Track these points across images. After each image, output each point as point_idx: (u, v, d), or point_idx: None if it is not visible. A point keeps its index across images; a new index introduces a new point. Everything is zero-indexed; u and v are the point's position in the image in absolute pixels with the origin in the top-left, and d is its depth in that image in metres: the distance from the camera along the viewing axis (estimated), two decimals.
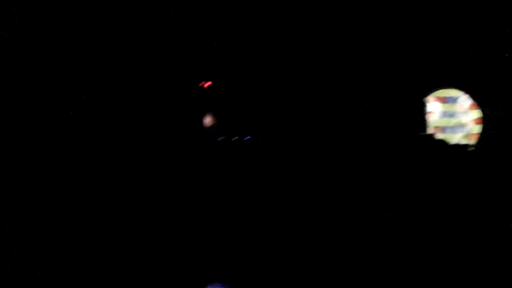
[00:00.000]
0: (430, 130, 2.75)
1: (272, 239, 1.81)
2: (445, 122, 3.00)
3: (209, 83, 2.36)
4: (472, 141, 2.96)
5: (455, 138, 2.97)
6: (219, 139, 2.13)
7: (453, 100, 3.03)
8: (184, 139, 2.07)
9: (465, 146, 2.58)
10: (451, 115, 3.03)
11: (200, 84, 2.41)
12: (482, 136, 2.88)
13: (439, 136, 2.85)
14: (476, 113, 2.95)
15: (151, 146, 1.99)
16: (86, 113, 2.03)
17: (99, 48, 2.11)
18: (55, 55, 2.02)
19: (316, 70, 2.44)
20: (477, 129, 2.96)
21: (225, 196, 1.89)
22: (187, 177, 1.90)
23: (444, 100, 3.01)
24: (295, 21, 2.37)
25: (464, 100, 3.00)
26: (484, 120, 2.95)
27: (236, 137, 2.13)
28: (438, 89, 3.02)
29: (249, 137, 2.12)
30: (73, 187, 1.88)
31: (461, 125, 3.04)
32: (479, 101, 2.89)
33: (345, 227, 1.86)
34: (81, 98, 2.04)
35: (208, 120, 2.20)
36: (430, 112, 2.88)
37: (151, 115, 2.13)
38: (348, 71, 2.46)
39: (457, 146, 2.56)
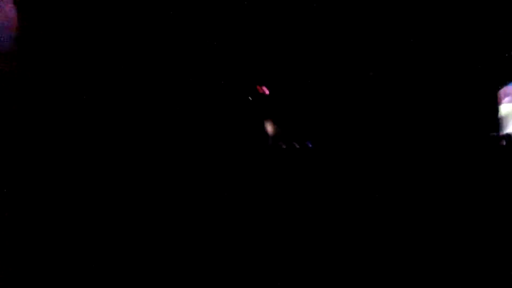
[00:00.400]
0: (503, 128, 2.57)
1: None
2: None
3: (265, 88, 2.39)
4: None
5: None
6: (281, 146, 2.17)
7: None
8: (244, 146, 2.12)
9: None
10: None
11: (260, 90, 2.45)
12: None
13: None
14: None
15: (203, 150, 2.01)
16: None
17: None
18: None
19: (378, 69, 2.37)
20: None
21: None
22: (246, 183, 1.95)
23: None
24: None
25: None
26: None
27: (298, 144, 2.16)
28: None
29: (310, 143, 2.14)
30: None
31: None
32: None
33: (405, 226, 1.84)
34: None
35: (270, 128, 2.24)
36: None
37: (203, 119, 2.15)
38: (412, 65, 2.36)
39: None
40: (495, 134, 2.31)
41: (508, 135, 2.42)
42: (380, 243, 1.82)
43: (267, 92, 2.43)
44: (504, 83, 2.81)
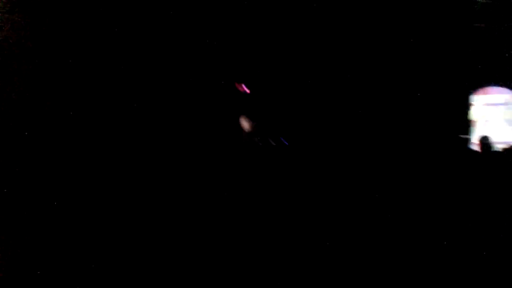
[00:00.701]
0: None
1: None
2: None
3: (244, 86, 2.41)
4: None
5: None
6: (257, 142, 2.18)
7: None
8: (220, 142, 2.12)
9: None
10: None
11: (238, 87, 2.46)
12: None
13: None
14: None
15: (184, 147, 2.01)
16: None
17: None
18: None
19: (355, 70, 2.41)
20: None
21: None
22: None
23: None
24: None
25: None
26: None
27: (272, 140, 2.17)
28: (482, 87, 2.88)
29: (283, 139, 2.15)
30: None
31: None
32: None
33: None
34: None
35: (245, 124, 2.25)
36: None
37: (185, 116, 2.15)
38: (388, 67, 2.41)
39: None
40: (465, 136, 2.38)
41: (483, 137, 2.48)
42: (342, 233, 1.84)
43: (247, 90, 2.44)
44: (477, 88, 2.90)
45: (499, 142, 2.51)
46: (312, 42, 2.38)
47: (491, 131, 2.81)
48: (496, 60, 2.71)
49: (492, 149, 2.45)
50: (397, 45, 2.36)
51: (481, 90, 2.75)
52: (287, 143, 2.11)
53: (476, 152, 2.46)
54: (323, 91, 2.32)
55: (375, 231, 1.86)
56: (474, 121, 2.56)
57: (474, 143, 2.54)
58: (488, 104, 2.84)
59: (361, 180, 1.93)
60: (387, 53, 2.35)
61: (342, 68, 2.36)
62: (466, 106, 2.51)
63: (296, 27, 2.42)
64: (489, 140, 2.48)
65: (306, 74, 2.37)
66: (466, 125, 2.49)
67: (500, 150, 2.47)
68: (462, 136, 2.39)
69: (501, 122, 2.89)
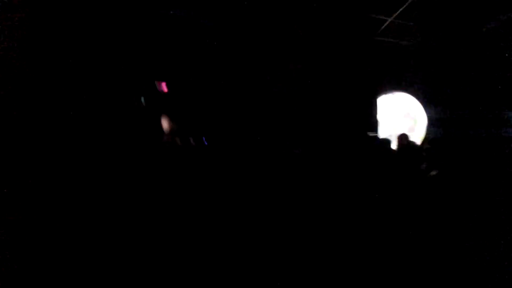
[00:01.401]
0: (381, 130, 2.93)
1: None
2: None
3: (163, 84, 2.36)
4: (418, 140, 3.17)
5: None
6: (177, 142, 2.15)
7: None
8: (139, 144, 2.06)
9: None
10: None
11: (159, 87, 2.41)
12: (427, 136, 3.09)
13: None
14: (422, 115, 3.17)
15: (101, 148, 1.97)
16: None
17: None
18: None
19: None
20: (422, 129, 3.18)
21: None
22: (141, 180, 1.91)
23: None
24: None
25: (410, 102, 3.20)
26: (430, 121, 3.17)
27: (194, 140, 2.16)
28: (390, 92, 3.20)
29: (204, 139, 2.16)
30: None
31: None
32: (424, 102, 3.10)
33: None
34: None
35: (165, 124, 2.21)
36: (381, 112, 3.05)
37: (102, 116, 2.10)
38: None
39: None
40: (373, 134, 2.62)
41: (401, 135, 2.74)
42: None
43: (165, 89, 2.39)
44: (384, 93, 3.21)
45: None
46: (225, 43, 2.42)
47: (397, 130, 3.14)
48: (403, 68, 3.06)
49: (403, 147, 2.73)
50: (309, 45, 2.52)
51: (385, 92, 3.07)
52: (206, 143, 2.11)
53: (388, 150, 2.72)
54: (242, 89, 2.38)
55: (291, 226, 1.95)
56: (379, 121, 2.82)
57: (385, 141, 2.80)
58: (392, 106, 3.17)
59: (272, 177, 2.01)
60: (298, 50, 2.49)
61: (257, 67, 2.44)
62: (372, 106, 2.76)
63: (213, 29, 2.44)
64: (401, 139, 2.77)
65: (222, 73, 2.41)
66: (373, 123, 2.73)
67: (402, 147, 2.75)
68: (370, 133, 2.62)
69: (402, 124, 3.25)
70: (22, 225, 1.75)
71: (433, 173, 2.24)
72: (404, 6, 2.74)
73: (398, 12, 2.81)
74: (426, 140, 3.23)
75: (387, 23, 2.91)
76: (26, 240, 1.73)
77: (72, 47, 2.09)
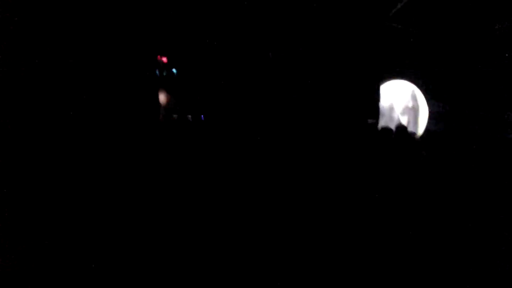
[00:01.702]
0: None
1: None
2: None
3: (164, 58, 2.32)
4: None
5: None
6: (173, 117, 2.13)
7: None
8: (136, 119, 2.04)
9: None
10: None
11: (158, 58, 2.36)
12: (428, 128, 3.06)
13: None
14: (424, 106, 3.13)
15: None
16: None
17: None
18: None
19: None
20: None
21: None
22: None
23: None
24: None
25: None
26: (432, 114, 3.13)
27: (190, 116, 2.14)
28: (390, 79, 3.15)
29: (202, 116, 2.13)
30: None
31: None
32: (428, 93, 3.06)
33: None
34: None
35: (163, 98, 2.17)
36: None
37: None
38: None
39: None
40: (373, 121, 2.59)
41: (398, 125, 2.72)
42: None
43: (164, 60, 2.34)
44: (385, 79, 3.16)
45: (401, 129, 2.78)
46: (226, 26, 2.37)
47: (398, 120, 3.11)
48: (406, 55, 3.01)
49: (402, 137, 2.71)
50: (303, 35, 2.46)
51: (387, 80, 3.02)
52: (203, 118, 2.09)
53: (386, 138, 2.69)
54: (242, 68, 2.33)
55: (282, 222, 1.94)
56: (381, 108, 2.79)
57: (385, 128, 2.78)
58: (394, 93, 3.12)
59: (267, 164, 2.00)
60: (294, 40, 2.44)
61: (262, 49, 2.39)
62: (375, 92, 2.72)
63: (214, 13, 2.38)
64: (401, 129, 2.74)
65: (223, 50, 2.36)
66: (374, 110, 2.70)
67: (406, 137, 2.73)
68: (370, 121, 2.59)
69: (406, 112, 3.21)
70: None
71: (423, 153, 2.23)
72: None
73: None
74: (426, 132, 3.20)
75: (399, 6, 2.83)
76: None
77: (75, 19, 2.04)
